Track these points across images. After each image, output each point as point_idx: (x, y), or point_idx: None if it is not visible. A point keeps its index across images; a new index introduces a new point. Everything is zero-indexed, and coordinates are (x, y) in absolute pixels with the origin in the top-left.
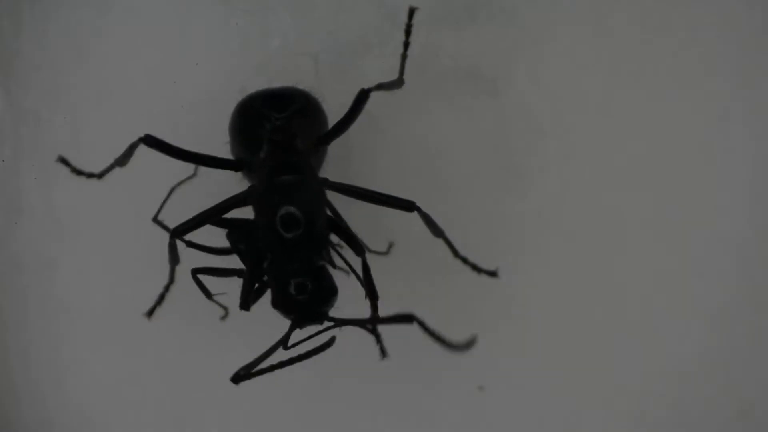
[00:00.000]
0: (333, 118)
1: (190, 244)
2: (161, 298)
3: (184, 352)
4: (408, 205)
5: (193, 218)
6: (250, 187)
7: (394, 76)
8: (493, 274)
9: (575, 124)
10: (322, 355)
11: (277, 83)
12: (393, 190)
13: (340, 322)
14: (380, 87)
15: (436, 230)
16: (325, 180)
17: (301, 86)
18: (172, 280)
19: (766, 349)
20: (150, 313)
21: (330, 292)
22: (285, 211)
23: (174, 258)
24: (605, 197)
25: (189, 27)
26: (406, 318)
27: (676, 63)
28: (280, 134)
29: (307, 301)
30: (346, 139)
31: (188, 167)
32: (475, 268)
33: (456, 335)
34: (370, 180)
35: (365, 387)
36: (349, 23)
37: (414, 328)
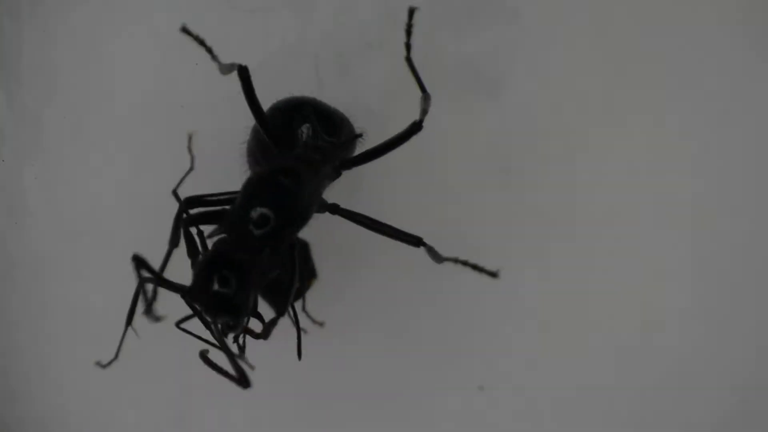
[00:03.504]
0: None
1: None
2: (164, 264)
3: (184, 352)
4: (415, 241)
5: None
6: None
7: (395, 76)
8: (493, 274)
9: (575, 124)
10: (322, 354)
11: (277, 83)
12: (393, 189)
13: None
14: (424, 112)
15: (438, 259)
16: (325, 203)
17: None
18: (175, 244)
19: (766, 349)
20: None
21: (233, 309)
22: (260, 211)
23: (177, 227)
24: (605, 197)
25: (189, 27)
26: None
27: (675, 63)
28: (311, 153)
29: (215, 295)
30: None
31: (187, 166)
32: (476, 267)
33: (456, 335)
34: (369, 179)
35: (365, 387)
36: (349, 23)
37: (413, 327)
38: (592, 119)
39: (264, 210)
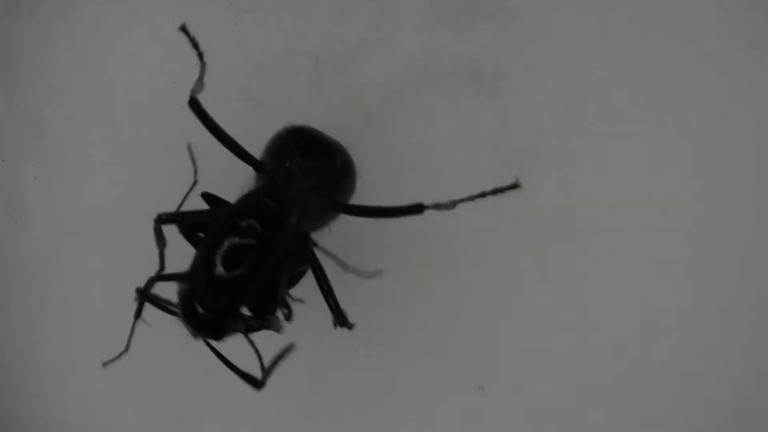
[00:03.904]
0: (333, 118)
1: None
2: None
3: (184, 352)
4: (417, 209)
5: (181, 213)
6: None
7: (394, 76)
8: (514, 186)
9: (575, 124)
10: (321, 354)
11: (277, 83)
12: (393, 189)
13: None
14: (437, 207)
15: (450, 205)
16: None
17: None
18: (162, 267)
19: (766, 349)
20: (143, 293)
21: (220, 337)
22: (232, 243)
23: (161, 242)
24: (605, 197)
25: (189, 27)
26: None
27: (676, 63)
28: (288, 179)
29: (203, 321)
30: (347, 139)
31: (188, 167)
32: (495, 191)
33: (456, 335)
34: (369, 180)
35: (365, 386)
36: (349, 23)
37: (414, 328)
38: (592, 119)
39: (234, 243)
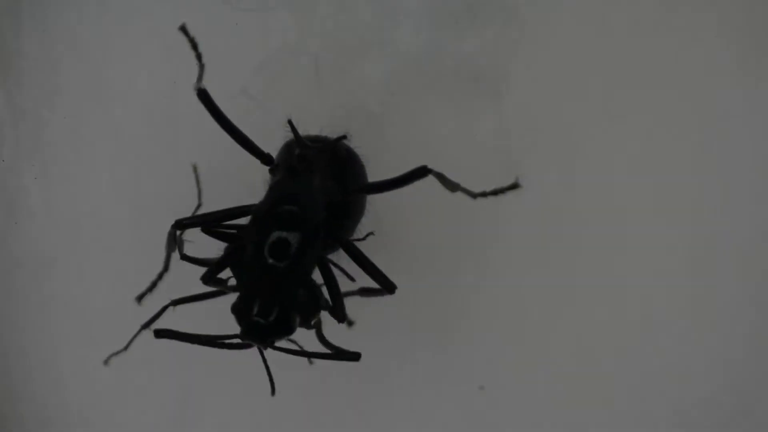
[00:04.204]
0: (333, 118)
1: (185, 257)
2: (153, 285)
3: (183, 352)
4: (421, 172)
5: (199, 216)
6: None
7: (394, 76)
8: (515, 186)
9: (575, 124)
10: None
11: (277, 83)
12: (393, 190)
13: (282, 350)
14: (440, 176)
15: (452, 185)
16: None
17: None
18: (166, 268)
19: (766, 349)
20: (140, 298)
21: (286, 331)
22: (276, 237)
23: (170, 246)
24: (605, 197)
25: (189, 27)
26: (351, 355)
27: (676, 63)
28: (301, 163)
29: (262, 325)
30: (347, 138)
31: (188, 165)
32: (497, 191)
33: (456, 335)
34: (369, 179)
35: (365, 386)
36: (349, 23)
37: (413, 327)
38: (592, 119)
39: (281, 236)
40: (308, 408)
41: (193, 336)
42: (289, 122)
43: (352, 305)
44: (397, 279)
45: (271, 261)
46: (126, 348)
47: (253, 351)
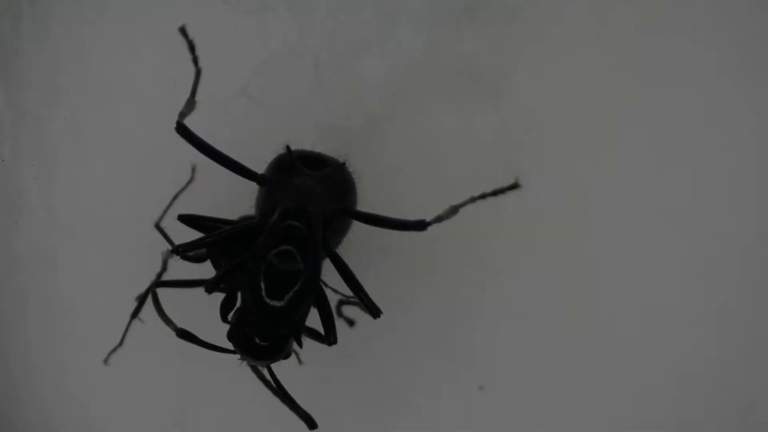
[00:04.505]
0: (333, 118)
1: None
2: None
3: (183, 352)
4: (421, 226)
5: (198, 240)
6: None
7: (394, 76)
8: (514, 186)
9: (575, 124)
10: (322, 355)
11: (277, 83)
12: (393, 189)
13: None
14: (438, 219)
15: (451, 212)
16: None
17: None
18: (164, 268)
19: (766, 349)
20: (140, 298)
21: (282, 354)
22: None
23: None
24: (605, 197)
25: (189, 27)
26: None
27: (676, 63)
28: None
29: (261, 348)
30: (347, 139)
31: (188, 165)
32: (495, 192)
33: (456, 335)
34: (369, 179)
35: (365, 387)
36: (349, 23)
37: (413, 327)
38: (592, 119)
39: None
40: (308, 408)
41: (211, 345)
42: (287, 148)
43: (350, 306)
44: (397, 279)
45: (269, 302)
46: (121, 342)
47: None
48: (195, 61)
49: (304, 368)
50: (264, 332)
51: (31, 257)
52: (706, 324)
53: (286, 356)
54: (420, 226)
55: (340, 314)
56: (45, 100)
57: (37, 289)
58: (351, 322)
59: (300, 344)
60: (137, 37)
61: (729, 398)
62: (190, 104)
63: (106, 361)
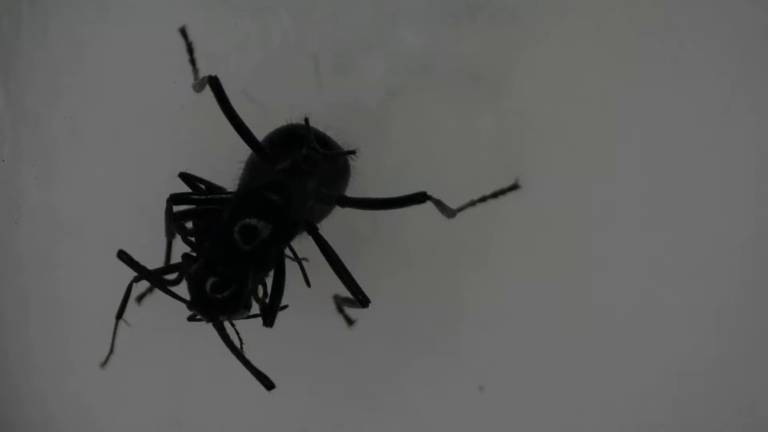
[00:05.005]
0: (333, 118)
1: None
2: (152, 286)
3: (184, 352)
4: (419, 198)
5: (194, 194)
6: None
7: (394, 76)
8: (514, 186)
9: (575, 124)
10: (321, 355)
11: (277, 83)
12: (393, 189)
13: (219, 332)
14: (438, 203)
15: (449, 212)
16: (312, 227)
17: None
18: (169, 249)
19: (766, 349)
20: (140, 298)
21: (235, 310)
22: (250, 222)
23: (170, 223)
24: (605, 197)
25: (189, 27)
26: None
27: (676, 62)
28: (307, 164)
29: (214, 300)
30: (347, 138)
31: (188, 165)
32: (495, 194)
33: (456, 335)
34: (369, 179)
35: (365, 387)
36: (349, 23)
37: (413, 327)
38: (592, 119)
39: (252, 223)
40: (307, 408)
41: (167, 289)
42: (306, 121)
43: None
44: (396, 279)
45: (238, 239)
46: (112, 349)
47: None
48: (193, 62)
49: (303, 368)
50: (220, 272)
51: (31, 257)
52: (706, 324)
53: (235, 313)
54: (419, 198)
55: (339, 311)
56: (45, 100)
57: (37, 289)
58: (350, 322)
59: (248, 307)
60: (137, 37)
61: (729, 398)
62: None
63: (103, 365)
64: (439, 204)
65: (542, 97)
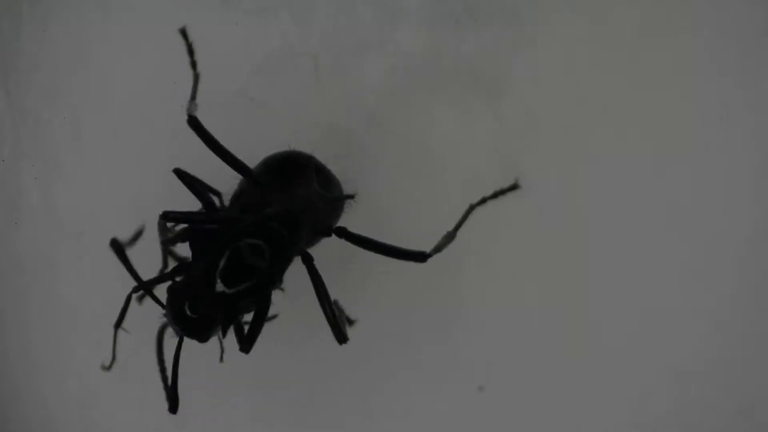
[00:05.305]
0: (333, 118)
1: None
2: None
3: (183, 352)
4: (421, 257)
5: (185, 213)
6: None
7: (394, 76)
8: (514, 186)
9: (575, 124)
10: (321, 355)
11: (277, 83)
12: (393, 189)
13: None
14: (437, 250)
15: (450, 237)
16: (308, 257)
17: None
18: (165, 266)
19: (766, 349)
20: (140, 298)
21: (199, 334)
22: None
23: (164, 236)
24: (605, 197)
25: (189, 27)
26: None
27: (676, 63)
28: (302, 201)
29: (187, 318)
30: (347, 139)
31: (187, 165)
32: (497, 193)
33: (456, 335)
34: (370, 179)
35: (365, 387)
36: (349, 23)
37: (413, 328)
38: (592, 119)
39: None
40: (307, 408)
41: (153, 295)
42: (310, 159)
43: (351, 304)
44: (396, 279)
45: (218, 283)
46: (114, 357)
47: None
48: (193, 65)
49: (302, 368)
50: (200, 306)
51: (31, 257)
52: (706, 324)
53: (202, 340)
54: (420, 257)
55: (340, 312)
56: (45, 100)
57: (37, 290)
58: (350, 321)
59: (224, 334)
60: (137, 38)
61: (729, 398)
62: (193, 105)
63: (107, 367)
64: (438, 249)
65: (542, 97)
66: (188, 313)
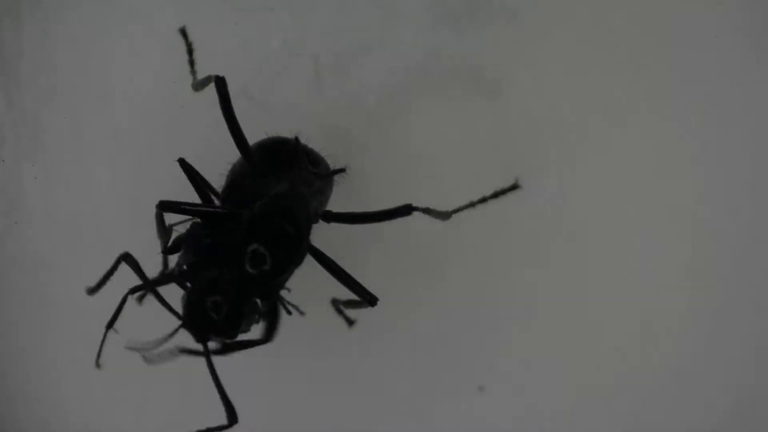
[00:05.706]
0: (333, 118)
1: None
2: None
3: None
4: (406, 210)
5: (183, 203)
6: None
7: (394, 76)
8: (514, 186)
9: (575, 124)
10: (321, 355)
11: (277, 83)
12: (393, 189)
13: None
14: (427, 211)
15: (442, 215)
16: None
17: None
18: (165, 266)
19: (766, 349)
20: (140, 298)
21: (230, 333)
22: (259, 249)
23: (162, 230)
24: (605, 197)
25: (189, 27)
26: None
27: (676, 63)
28: (299, 185)
29: (211, 322)
30: (347, 139)
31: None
32: (497, 193)
33: (455, 335)
34: (370, 179)
35: (365, 387)
36: (349, 24)
37: (413, 328)
38: (592, 119)
39: (262, 251)
40: (307, 408)
41: (167, 304)
42: (296, 140)
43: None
44: (396, 279)
45: (249, 268)
46: (99, 355)
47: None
48: (191, 63)
49: (302, 368)
50: (223, 306)
51: (30, 257)
52: (706, 324)
53: (232, 336)
54: (405, 210)
55: (339, 312)
56: (45, 101)
57: (36, 290)
58: (351, 322)
59: (248, 328)
60: (137, 38)
61: (729, 398)
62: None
63: (98, 366)
64: (428, 211)
65: (542, 97)
66: (214, 316)
